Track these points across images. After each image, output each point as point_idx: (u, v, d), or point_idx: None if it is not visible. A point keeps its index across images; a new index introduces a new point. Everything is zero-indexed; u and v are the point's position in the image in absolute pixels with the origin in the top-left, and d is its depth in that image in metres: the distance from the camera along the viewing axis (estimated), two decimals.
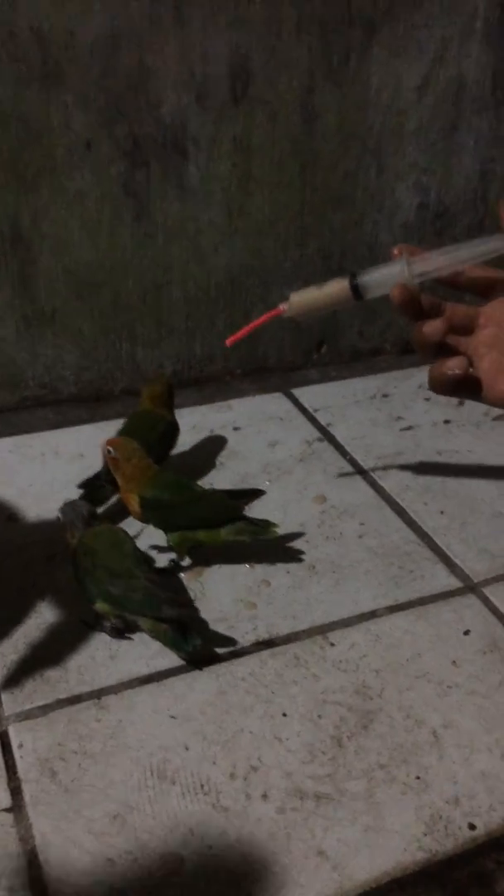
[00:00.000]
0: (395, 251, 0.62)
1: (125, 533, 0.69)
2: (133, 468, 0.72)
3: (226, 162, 0.92)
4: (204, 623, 0.67)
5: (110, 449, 0.73)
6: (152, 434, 0.80)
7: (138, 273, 0.94)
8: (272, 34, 0.88)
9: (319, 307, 0.66)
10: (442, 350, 0.61)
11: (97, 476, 0.79)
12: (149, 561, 0.70)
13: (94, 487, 0.78)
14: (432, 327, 0.59)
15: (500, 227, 0.60)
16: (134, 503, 0.71)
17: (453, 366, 0.60)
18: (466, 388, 0.62)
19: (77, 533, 0.68)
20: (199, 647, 0.62)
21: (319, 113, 0.94)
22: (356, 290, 0.64)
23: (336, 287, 0.64)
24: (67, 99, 0.82)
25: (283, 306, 0.68)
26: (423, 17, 0.95)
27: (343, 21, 0.91)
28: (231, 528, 0.70)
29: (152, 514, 0.71)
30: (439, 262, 0.61)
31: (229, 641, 0.66)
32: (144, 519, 0.72)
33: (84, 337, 0.95)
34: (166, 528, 0.72)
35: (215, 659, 0.64)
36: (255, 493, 0.75)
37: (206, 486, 0.84)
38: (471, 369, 0.61)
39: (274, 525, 0.71)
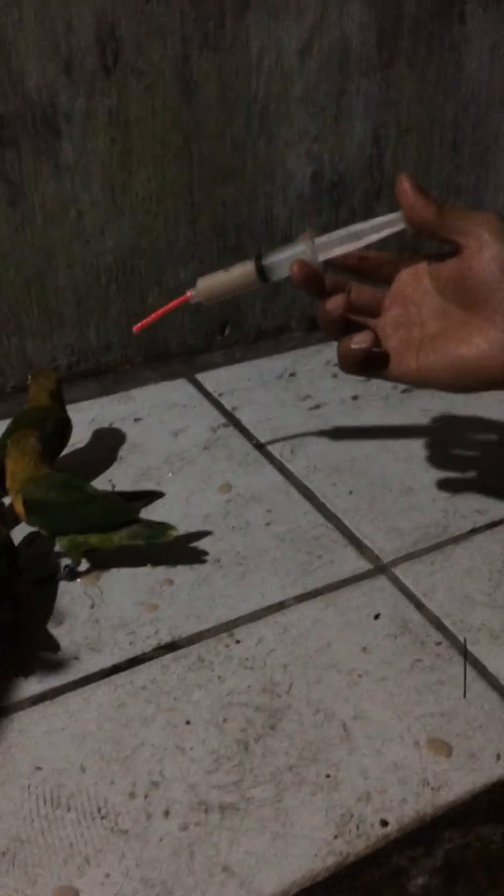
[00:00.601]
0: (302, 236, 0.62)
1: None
2: (22, 467, 0.68)
3: (103, 137, 0.87)
4: None
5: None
6: (41, 430, 0.75)
7: (19, 261, 0.89)
8: None
9: (226, 291, 0.68)
10: (349, 328, 0.62)
11: None
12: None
13: None
14: (334, 302, 0.61)
15: (400, 203, 0.60)
16: (19, 505, 0.67)
17: (360, 340, 0.61)
18: (374, 364, 0.63)
19: None
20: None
21: (199, 81, 0.90)
22: (262, 272, 0.65)
23: (242, 270, 0.66)
24: None
25: (190, 292, 0.68)
26: None
27: None
28: (125, 532, 0.66)
29: (38, 517, 0.67)
30: (341, 238, 0.62)
31: (129, 648, 0.62)
32: (31, 522, 0.67)
33: None
34: (55, 533, 0.67)
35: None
36: (153, 495, 0.70)
37: (105, 484, 0.80)
38: (377, 349, 0.62)
39: (172, 528, 0.66)
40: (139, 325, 0.71)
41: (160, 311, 0.69)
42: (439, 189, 1.13)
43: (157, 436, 0.89)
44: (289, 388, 0.98)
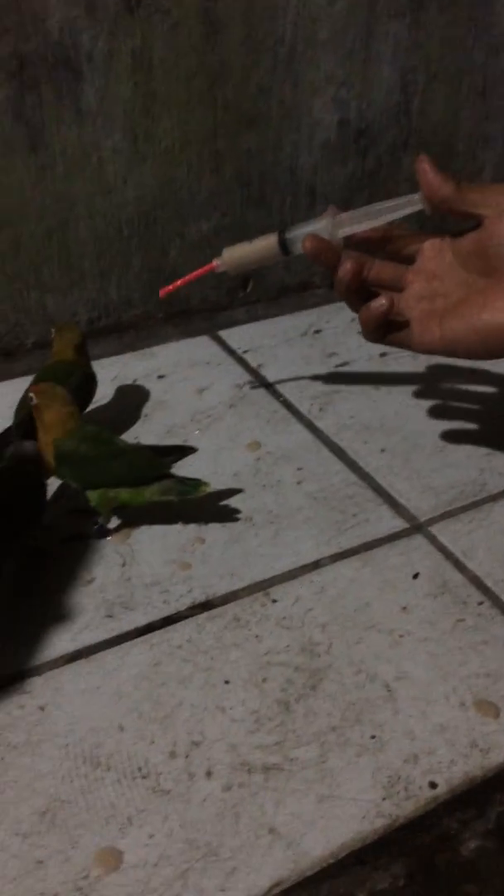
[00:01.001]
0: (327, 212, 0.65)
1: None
2: (53, 417, 0.65)
3: (126, 81, 0.83)
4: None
5: (32, 396, 0.66)
6: (66, 385, 0.72)
7: (40, 210, 0.85)
8: None
9: (250, 262, 0.72)
10: (369, 297, 0.64)
11: (8, 431, 0.72)
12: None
13: (4, 444, 0.71)
14: (343, 269, 0.63)
15: (420, 184, 0.62)
16: (49, 456, 0.65)
17: (377, 303, 0.64)
18: (397, 332, 0.66)
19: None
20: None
21: (224, 21, 0.86)
22: (284, 245, 0.69)
23: (265, 242, 0.70)
24: None
25: (216, 261, 0.72)
26: None
27: None
28: (157, 487, 0.64)
29: (68, 469, 0.65)
30: (362, 215, 0.65)
31: (163, 607, 0.60)
32: (60, 475, 0.65)
33: None
34: (84, 486, 0.65)
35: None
36: (185, 450, 0.68)
37: (132, 441, 0.78)
38: (398, 317, 0.65)
39: (204, 483, 0.64)
40: (165, 289, 0.75)
41: (186, 278, 0.73)
42: (467, 138, 1.09)
43: (182, 393, 0.86)
44: (314, 346, 0.95)
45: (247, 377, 0.89)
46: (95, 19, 0.79)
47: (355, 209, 0.66)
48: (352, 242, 0.66)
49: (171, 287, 0.74)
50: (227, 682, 0.55)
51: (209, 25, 0.85)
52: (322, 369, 0.91)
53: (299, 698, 0.54)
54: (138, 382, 0.88)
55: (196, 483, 0.65)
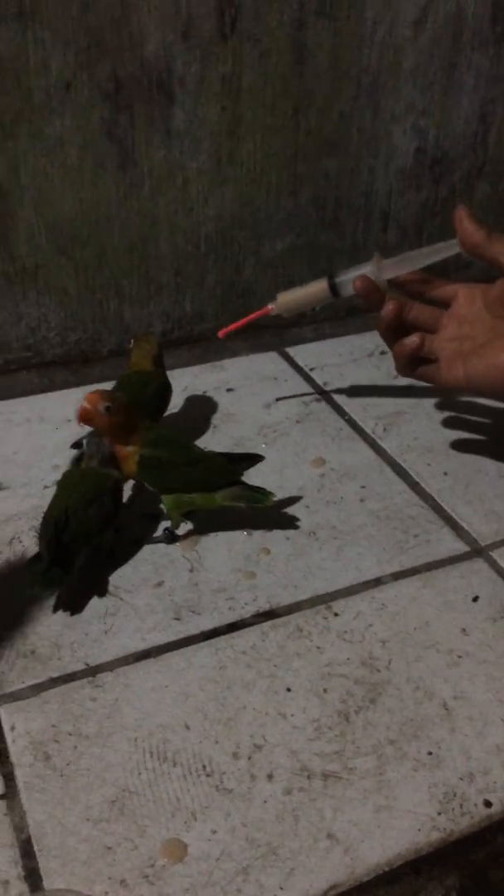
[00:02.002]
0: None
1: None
2: (127, 421, 0.66)
3: (214, 104, 0.87)
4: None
5: (100, 403, 0.64)
6: (144, 393, 0.76)
7: (124, 226, 0.89)
8: None
9: (302, 305, 0.79)
10: (405, 334, 0.72)
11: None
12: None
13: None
14: (388, 309, 0.71)
15: (457, 230, 0.70)
16: (130, 461, 0.67)
17: (410, 340, 0.71)
18: (426, 367, 0.72)
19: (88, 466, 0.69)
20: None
21: (312, 50, 0.89)
22: (334, 288, 0.76)
23: (317, 287, 0.77)
24: (45, 37, 0.76)
25: (271, 305, 0.81)
26: None
27: None
28: (227, 493, 0.67)
29: (149, 473, 0.67)
30: (404, 261, 0.73)
31: (229, 613, 0.63)
32: (139, 477, 0.68)
33: (69, 295, 0.90)
34: (162, 490, 0.68)
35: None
36: (254, 459, 0.71)
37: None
38: (428, 355, 0.72)
39: (271, 493, 0.67)
40: (224, 330, 0.82)
41: (243, 321, 0.81)
42: None
43: (250, 407, 0.89)
44: (380, 367, 0.97)
45: (313, 394, 0.92)
46: (190, 45, 0.83)
47: (397, 255, 0.73)
48: (395, 285, 0.74)
49: (229, 328, 0.82)
50: (288, 690, 0.57)
51: (297, 54, 0.88)
52: (387, 390, 0.92)
53: (359, 710, 0.55)
54: (208, 394, 0.91)
55: (264, 492, 0.67)
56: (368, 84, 0.93)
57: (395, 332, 0.72)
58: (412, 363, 0.72)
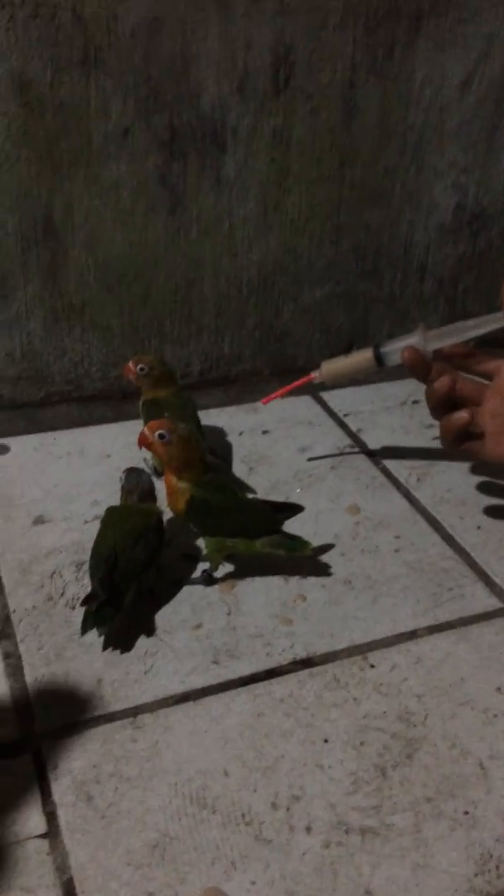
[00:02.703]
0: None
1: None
2: (187, 458, 0.67)
3: (264, 156, 0.89)
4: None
5: (156, 431, 0.66)
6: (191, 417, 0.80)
7: (170, 268, 0.91)
8: (317, 24, 0.85)
9: (346, 374, 0.80)
10: (452, 408, 0.73)
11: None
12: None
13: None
14: (441, 382, 0.72)
15: (500, 305, 0.71)
16: (179, 497, 0.68)
17: (459, 415, 0.72)
18: (472, 442, 0.74)
19: (131, 500, 0.70)
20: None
21: (361, 107, 0.91)
22: (379, 358, 0.78)
23: (362, 357, 0.79)
24: (107, 85, 0.79)
25: (314, 374, 0.81)
26: (469, 12, 0.92)
27: (389, 13, 0.88)
28: (268, 541, 0.68)
29: (197, 516, 0.68)
30: (450, 332, 0.74)
31: (266, 659, 0.63)
32: (185, 518, 0.69)
33: (112, 332, 0.92)
34: (205, 532, 0.69)
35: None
36: (296, 509, 0.72)
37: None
38: (474, 429, 0.73)
39: (309, 543, 0.69)
40: (267, 398, 0.84)
41: (285, 389, 0.83)
42: None
43: (285, 450, 0.90)
44: (413, 416, 0.98)
45: (347, 440, 0.93)
46: (244, 99, 0.85)
47: (443, 327, 0.75)
48: (438, 356, 0.75)
49: (272, 396, 0.84)
50: (326, 741, 0.57)
51: (346, 111, 0.90)
52: (420, 440, 0.94)
53: (396, 766, 0.56)
54: (244, 435, 0.92)
55: (302, 542, 0.68)
56: (414, 141, 0.96)
57: (444, 404, 0.73)
58: (459, 438, 0.73)
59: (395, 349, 0.76)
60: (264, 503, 0.72)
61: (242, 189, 0.90)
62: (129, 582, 0.63)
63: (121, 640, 0.63)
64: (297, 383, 0.81)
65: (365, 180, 0.96)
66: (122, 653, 0.63)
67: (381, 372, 0.80)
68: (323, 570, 0.73)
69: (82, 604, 0.62)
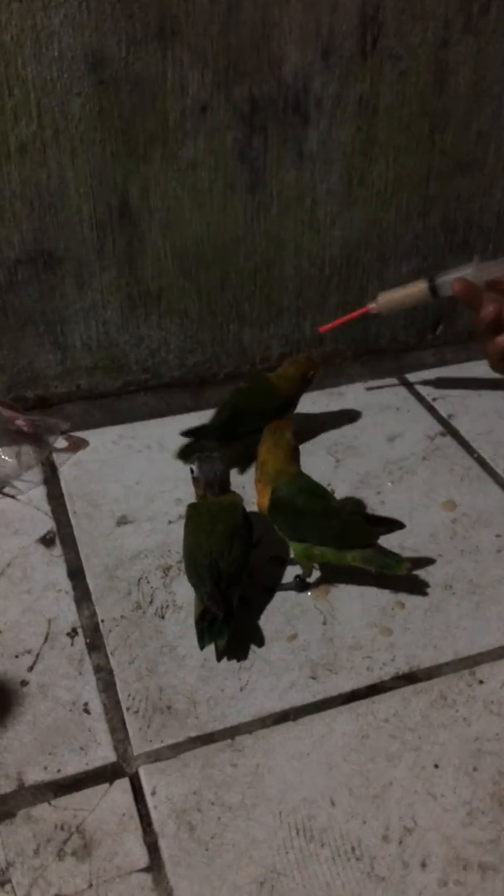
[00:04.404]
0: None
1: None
2: (275, 460, 0.66)
3: (349, 125, 0.83)
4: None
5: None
6: (268, 405, 0.78)
7: (250, 248, 0.87)
8: None
9: (402, 304, 0.82)
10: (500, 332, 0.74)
11: (203, 428, 0.78)
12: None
13: (198, 440, 0.78)
14: (486, 311, 0.74)
15: None
16: (265, 497, 0.65)
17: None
18: None
19: (210, 493, 0.67)
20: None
21: (454, 68, 0.84)
22: (433, 289, 0.79)
23: (416, 287, 0.80)
24: (185, 58, 0.74)
25: (371, 304, 0.82)
26: None
27: None
28: (359, 554, 0.63)
29: (281, 517, 0.65)
30: (500, 263, 0.76)
31: (367, 674, 0.60)
32: (271, 519, 0.66)
33: (190, 318, 0.88)
34: (291, 537, 0.66)
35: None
36: (394, 525, 0.66)
37: (326, 486, 0.78)
38: None
39: (405, 560, 0.63)
40: (324, 327, 0.85)
41: (344, 318, 0.83)
42: None
43: (373, 439, 0.86)
44: None
45: (438, 428, 0.88)
46: (329, 65, 0.79)
47: (499, 259, 0.77)
48: (490, 286, 0.75)
49: (329, 325, 0.85)
50: (436, 766, 0.54)
51: (438, 72, 0.84)
52: None
53: None
54: (328, 423, 0.88)
55: (397, 559, 0.64)
56: None
57: (493, 331, 0.74)
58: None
59: (449, 280, 0.77)
60: (359, 514, 0.67)
61: (325, 162, 0.84)
62: (234, 587, 0.61)
63: (239, 650, 0.61)
64: (354, 314, 0.83)
65: (456, 147, 0.89)
66: (216, 665, 0.60)
67: (435, 303, 0.81)
68: (421, 574, 0.69)
69: (198, 623, 0.60)
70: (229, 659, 0.61)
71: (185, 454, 0.77)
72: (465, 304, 0.76)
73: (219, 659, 0.60)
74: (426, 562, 0.70)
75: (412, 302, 0.81)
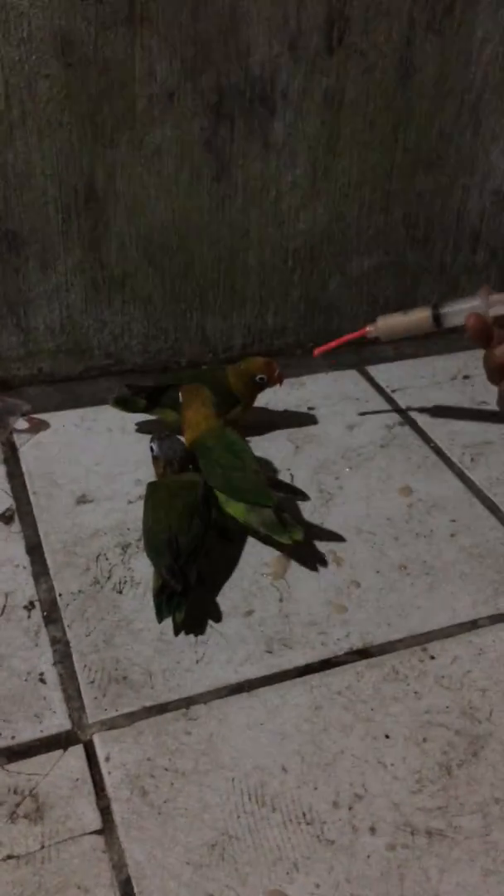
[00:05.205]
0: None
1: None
2: (195, 414, 0.74)
3: (315, 118, 0.85)
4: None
5: (179, 394, 0.76)
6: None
7: (214, 237, 0.88)
8: None
9: (402, 331, 0.78)
10: None
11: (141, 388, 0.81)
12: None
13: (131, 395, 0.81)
14: (501, 349, 0.70)
15: None
16: (189, 437, 0.73)
17: None
18: None
19: (170, 471, 0.69)
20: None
21: (418, 66, 0.86)
22: (437, 319, 0.76)
23: (419, 315, 0.76)
24: (153, 44, 0.75)
25: (370, 328, 0.78)
26: None
27: None
28: (257, 513, 0.67)
29: (200, 462, 0.71)
30: None
31: (322, 649, 0.61)
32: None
33: (153, 304, 0.89)
34: (205, 480, 0.70)
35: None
36: (297, 493, 0.72)
37: (285, 474, 0.79)
38: None
39: (298, 534, 0.65)
40: (319, 349, 0.83)
41: (340, 340, 0.81)
42: None
43: (332, 428, 0.87)
44: (464, 392, 0.95)
45: (396, 418, 0.90)
46: (296, 58, 0.81)
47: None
48: (498, 321, 0.73)
49: (324, 347, 0.82)
50: (387, 737, 0.55)
51: (403, 70, 0.86)
52: (473, 417, 0.90)
53: (461, 764, 0.54)
54: (289, 411, 0.89)
55: (291, 528, 0.66)
56: (471, 102, 0.91)
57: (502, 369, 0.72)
58: None
59: (455, 311, 0.74)
60: (269, 478, 0.71)
61: (291, 154, 0.86)
62: (192, 563, 0.61)
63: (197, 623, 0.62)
64: (351, 335, 0.80)
65: (419, 144, 0.91)
66: (183, 635, 0.61)
67: (437, 332, 0.78)
68: (377, 556, 0.70)
69: (156, 596, 0.60)
70: (186, 633, 0.61)
71: (118, 402, 0.82)
72: (474, 340, 0.72)
73: (176, 633, 0.61)
74: (383, 542, 0.71)
75: (413, 330, 0.78)
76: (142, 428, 0.83)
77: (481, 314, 0.70)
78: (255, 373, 0.80)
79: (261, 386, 0.81)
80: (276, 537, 0.66)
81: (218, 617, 0.63)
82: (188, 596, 0.60)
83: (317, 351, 0.82)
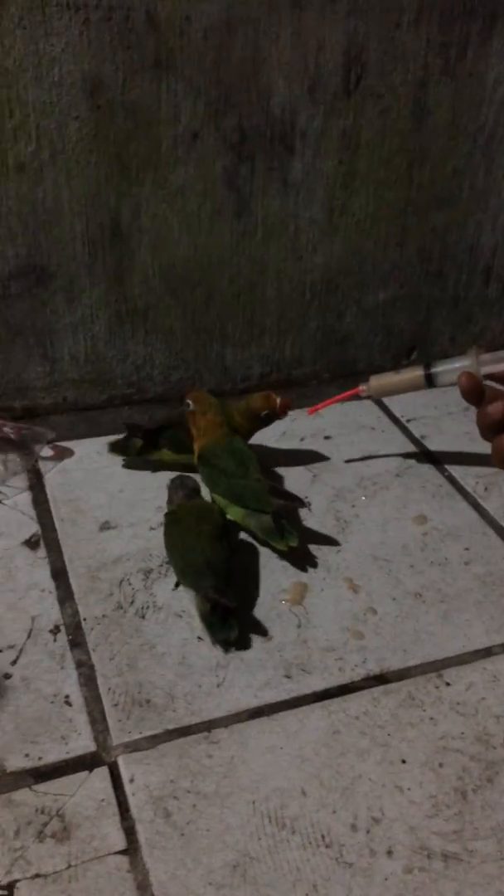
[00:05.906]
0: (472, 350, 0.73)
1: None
2: (206, 422, 0.78)
3: (332, 158, 0.88)
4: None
5: (189, 402, 0.79)
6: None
7: (234, 271, 0.90)
8: (391, 23, 0.83)
9: (394, 390, 0.80)
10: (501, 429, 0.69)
11: (137, 427, 0.82)
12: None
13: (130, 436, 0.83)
14: (495, 407, 0.68)
15: None
16: (196, 451, 0.77)
17: None
18: None
19: (185, 499, 0.74)
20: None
21: (432, 108, 0.89)
22: (430, 378, 0.77)
23: (412, 375, 0.77)
24: (178, 88, 0.78)
25: (362, 387, 0.80)
26: None
27: (464, 12, 0.86)
28: (255, 517, 0.71)
29: (203, 469, 0.76)
30: (502, 357, 0.71)
31: (339, 675, 0.62)
32: (199, 471, 0.76)
33: (175, 336, 0.92)
34: (211, 489, 0.76)
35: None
36: (296, 501, 0.78)
37: (303, 498, 0.81)
38: None
39: (292, 539, 0.70)
40: (313, 408, 0.84)
41: (332, 400, 0.83)
42: None
43: (348, 456, 0.89)
44: None
45: (411, 447, 0.91)
46: (315, 100, 0.84)
47: (497, 352, 0.72)
48: (491, 377, 0.72)
49: (318, 407, 0.84)
50: (403, 762, 0.56)
51: (417, 111, 0.89)
52: (486, 447, 0.91)
53: (476, 789, 0.55)
54: (306, 440, 0.91)
55: (285, 534, 0.70)
56: (484, 142, 0.93)
57: (497, 429, 0.70)
58: None
59: (446, 371, 0.76)
60: (269, 485, 0.75)
61: (309, 192, 0.89)
62: (231, 583, 0.65)
63: (195, 650, 0.63)
64: (343, 395, 0.82)
65: (433, 182, 0.94)
66: (203, 660, 0.62)
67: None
68: (393, 583, 0.72)
69: (208, 617, 0.63)
70: (206, 658, 0.63)
71: (114, 447, 0.84)
72: (467, 399, 0.71)
73: (227, 651, 0.63)
74: (399, 570, 0.73)
75: (406, 388, 0.78)
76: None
77: (473, 373, 0.71)
78: (257, 411, 0.80)
79: (267, 421, 0.82)
80: (273, 542, 0.71)
81: (238, 642, 0.65)
82: (236, 614, 0.63)
83: (311, 410, 0.84)
